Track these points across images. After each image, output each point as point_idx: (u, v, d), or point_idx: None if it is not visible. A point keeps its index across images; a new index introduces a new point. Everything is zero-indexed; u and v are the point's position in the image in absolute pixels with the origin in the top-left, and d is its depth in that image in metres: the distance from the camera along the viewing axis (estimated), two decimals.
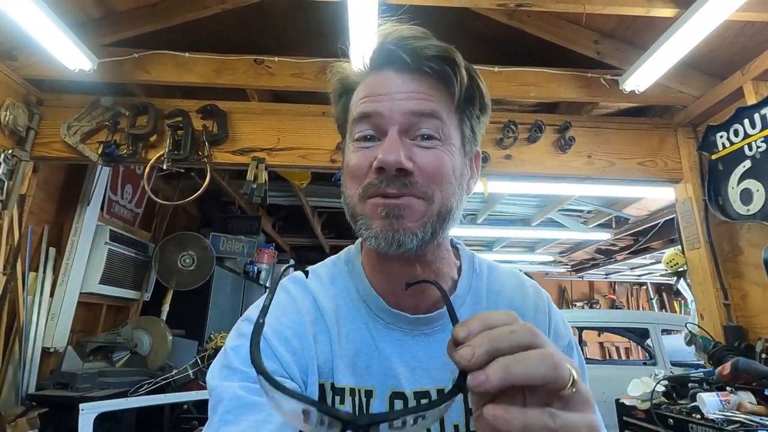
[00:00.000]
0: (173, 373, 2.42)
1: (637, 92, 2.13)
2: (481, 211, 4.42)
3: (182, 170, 2.25)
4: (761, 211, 1.87)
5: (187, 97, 2.38)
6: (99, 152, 2.17)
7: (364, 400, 0.54)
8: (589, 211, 4.51)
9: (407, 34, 0.54)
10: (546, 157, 2.38)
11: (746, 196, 1.95)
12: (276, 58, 2.24)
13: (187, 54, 2.20)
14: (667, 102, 2.36)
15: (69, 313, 2.53)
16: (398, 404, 0.54)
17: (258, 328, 0.38)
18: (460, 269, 0.63)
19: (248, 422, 0.46)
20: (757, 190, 1.89)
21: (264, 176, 2.24)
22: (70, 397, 2.08)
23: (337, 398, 0.53)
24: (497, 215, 4.65)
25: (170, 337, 2.80)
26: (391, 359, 0.55)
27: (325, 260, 0.67)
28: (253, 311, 0.59)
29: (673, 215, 3.81)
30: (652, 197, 3.66)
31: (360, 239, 0.66)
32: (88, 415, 1.68)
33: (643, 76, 2.07)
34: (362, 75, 0.58)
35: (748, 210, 1.93)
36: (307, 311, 0.57)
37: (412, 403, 0.54)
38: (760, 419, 1.43)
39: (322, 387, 0.54)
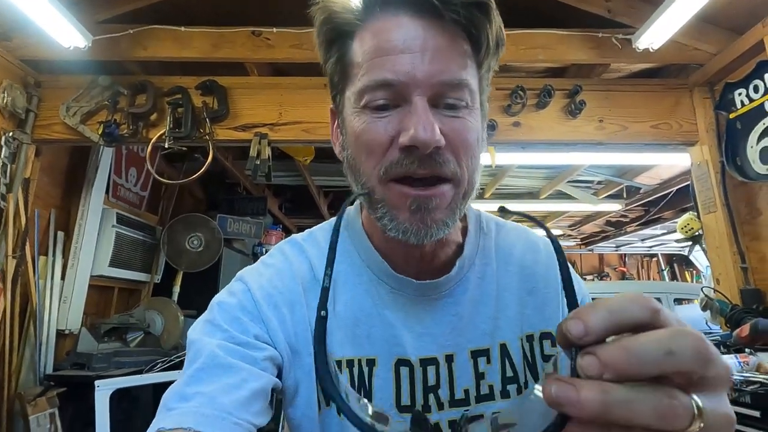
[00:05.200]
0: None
1: (651, 50, 2.04)
2: (488, 185, 4.36)
3: (184, 149, 2.22)
4: None
5: (186, 73, 2.33)
6: (100, 132, 2.14)
7: (366, 369, 0.51)
8: (599, 182, 4.43)
9: None
10: (556, 123, 2.31)
11: (766, 156, 1.88)
12: (274, 29, 2.17)
13: (183, 28, 2.14)
14: (683, 60, 2.26)
15: (81, 295, 2.55)
16: (404, 371, 0.51)
17: (321, 324, 0.34)
18: (465, 229, 0.59)
19: (220, 384, 0.43)
20: None
21: (267, 152, 2.21)
22: (86, 377, 2.11)
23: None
24: (505, 189, 4.59)
25: (182, 318, 2.83)
26: (395, 326, 0.53)
27: (323, 223, 0.64)
28: (248, 273, 0.56)
29: (686, 183, 3.75)
30: (666, 164, 3.56)
31: (358, 201, 0.61)
32: (103, 391, 1.70)
33: (657, 33, 1.98)
34: (363, 14, 0.48)
35: None
36: (303, 278, 0.55)
37: (418, 370, 0.52)
38: None
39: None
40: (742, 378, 1.47)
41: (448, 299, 0.55)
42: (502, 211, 0.42)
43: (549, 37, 2.20)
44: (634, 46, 2.06)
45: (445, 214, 0.46)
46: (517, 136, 2.29)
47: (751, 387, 1.40)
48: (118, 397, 1.90)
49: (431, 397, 0.51)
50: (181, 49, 2.17)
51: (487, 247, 0.59)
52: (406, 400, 0.51)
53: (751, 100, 1.95)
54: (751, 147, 1.94)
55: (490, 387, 0.52)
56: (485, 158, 2.41)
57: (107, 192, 2.76)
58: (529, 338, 0.54)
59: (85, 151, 2.62)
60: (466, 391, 0.52)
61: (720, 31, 2.16)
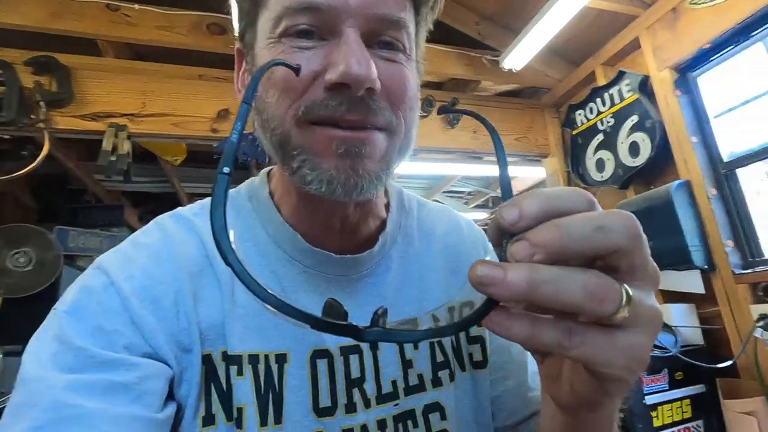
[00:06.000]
0: (3, 399, 1.89)
1: (514, 71, 2.31)
2: None
3: (6, 137, 1.76)
4: (612, 176, 2.18)
5: (10, 45, 1.86)
6: None
7: (275, 366, 0.42)
8: (470, 193, 4.88)
9: None
10: (437, 131, 2.45)
11: (600, 165, 2.26)
12: (136, 6, 1.88)
13: None
14: (537, 84, 2.62)
15: None
16: (322, 365, 0.43)
17: (223, 181, 0.26)
18: (387, 205, 0.54)
19: None
20: (608, 159, 2.20)
21: (126, 147, 1.87)
22: None
23: (233, 369, 0.40)
24: None
25: (0, 356, 2.20)
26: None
27: None
28: (111, 259, 0.42)
29: None
30: (521, 176, 4.09)
31: (269, 169, 0.52)
32: None
33: (517, 57, 2.25)
34: None
35: (602, 176, 2.24)
36: (189, 260, 0.43)
37: (338, 360, 0.44)
38: None
39: (208, 358, 0.40)
40: None
41: (370, 279, 0.48)
42: (444, 112, 0.36)
43: (429, 51, 2.29)
44: (500, 66, 2.31)
45: (378, 166, 0.39)
46: None
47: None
48: None
49: (356, 393, 0.43)
50: (3, 14, 1.73)
51: (409, 225, 0.54)
52: (325, 401, 0.42)
53: (588, 120, 2.34)
54: (589, 158, 2.33)
55: (419, 376, 0.46)
56: None
57: None
58: None
59: None
60: (394, 383, 0.45)
61: (563, 61, 2.56)
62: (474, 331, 0.51)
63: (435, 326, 0.27)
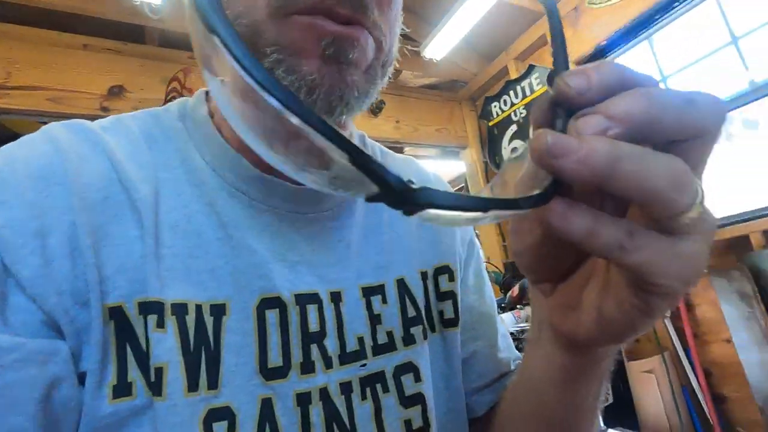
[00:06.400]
0: None
1: (434, 60, 2.34)
2: None
3: None
4: None
5: None
6: None
7: (209, 320, 0.32)
8: None
9: None
10: (361, 119, 2.40)
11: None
12: None
13: None
14: (456, 77, 2.70)
15: None
16: (272, 316, 0.34)
17: None
18: None
19: None
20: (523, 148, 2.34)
21: None
22: None
23: (150, 320, 0.30)
24: None
25: None
26: (257, 253, 0.35)
27: (137, 111, 0.40)
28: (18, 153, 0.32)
29: (456, 188, 4.56)
30: (440, 171, 4.23)
31: (206, 90, 0.41)
32: None
33: (438, 46, 2.30)
34: None
35: None
36: (90, 184, 0.32)
37: (293, 311, 0.35)
38: None
39: (117, 312, 0.30)
40: (518, 329, 1.77)
41: (331, 223, 0.40)
42: None
43: None
44: (422, 56, 2.33)
45: (364, 78, 0.32)
46: None
47: (526, 334, 1.71)
48: None
49: (314, 350, 0.35)
50: None
51: None
52: (275, 359, 0.33)
53: (503, 111, 2.47)
54: (505, 148, 2.45)
55: (389, 334, 0.40)
56: None
57: None
58: (424, 275, 0.45)
59: None
60: (360, 340, 0.38)
61: (479, 56, 2.67)
62: (444, 285, 0.45)
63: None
